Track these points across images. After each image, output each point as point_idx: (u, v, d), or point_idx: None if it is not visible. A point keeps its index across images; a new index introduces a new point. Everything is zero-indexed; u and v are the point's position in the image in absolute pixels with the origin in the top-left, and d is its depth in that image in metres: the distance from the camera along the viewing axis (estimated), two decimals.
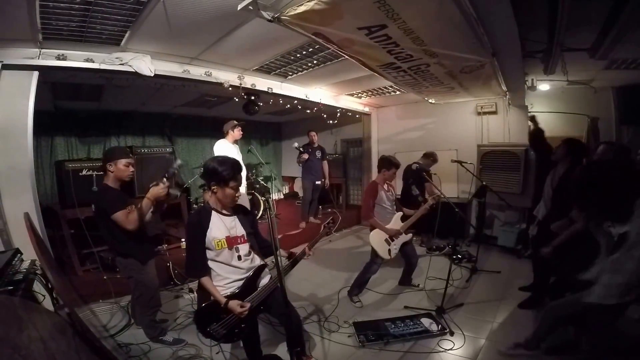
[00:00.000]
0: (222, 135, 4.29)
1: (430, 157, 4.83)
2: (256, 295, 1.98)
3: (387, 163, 3.34)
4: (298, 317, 2.19)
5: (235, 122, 4.29)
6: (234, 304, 1.86)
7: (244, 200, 4.44)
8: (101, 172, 2.47)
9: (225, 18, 2.55)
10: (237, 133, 4.26)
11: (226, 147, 4.20)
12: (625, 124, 4.56)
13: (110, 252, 2.91)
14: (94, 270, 3.58)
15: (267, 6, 2.16)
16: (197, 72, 3.73)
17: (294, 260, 2.16)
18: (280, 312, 2.01)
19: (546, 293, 2.93)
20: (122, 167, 2.37)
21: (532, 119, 3.87)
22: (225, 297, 1.90)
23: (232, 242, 1.97)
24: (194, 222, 1.98)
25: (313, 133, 5.82)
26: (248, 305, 1.89)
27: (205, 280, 1.92)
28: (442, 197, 3.44)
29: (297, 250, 2.22)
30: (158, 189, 2.31)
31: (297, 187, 8.58)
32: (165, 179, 2.37)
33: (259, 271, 2.05)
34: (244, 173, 4.39)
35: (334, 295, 3.43)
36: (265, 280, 2.09)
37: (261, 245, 2.19)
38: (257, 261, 2.11)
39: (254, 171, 6.62)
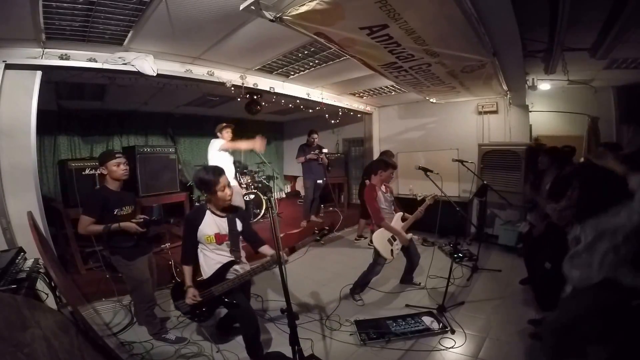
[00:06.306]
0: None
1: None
2: (219, 286, 2.21)
3: (384, 164, 3.32)
4: (255, 319, 2.28)
5: (225, 124, 4.35)
6: (190, 291, 2.20)
7: (239, 196, 4.45)
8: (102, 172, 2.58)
9: (227, 18, 2.56)
10: (225, 135, 4.32)
11: (217, 145, 4.23)
12: (626, 123, 4.56)
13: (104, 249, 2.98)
14: (96, 268, 3.59)
15: (269, 6, 2.17)
16: (199, 71, 3.75)
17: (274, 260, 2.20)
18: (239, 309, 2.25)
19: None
20: (113, 167, 2.49)
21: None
22: (198, 280, 2.28)
23: (220, 238, 2.28)
24: (190, 219, 2.31)
25: (316, 136, 5.77)
26: (198, 299, 2.20)
27: (186, 268, 2.28)
28: (437, 196, 3.44)
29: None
30: (131, 226, 2.45)
31: (299, 186, 8.59)
32: (144, 221, 2.56)
33: (228, 266, 2.28)
34: (231, 171, 4.39)
35: (336, 294, 3.43)
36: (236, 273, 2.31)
37: (251, 240, 2.42)
38: (242, 256, 2.40)
39: (253, 170, 6.64)
